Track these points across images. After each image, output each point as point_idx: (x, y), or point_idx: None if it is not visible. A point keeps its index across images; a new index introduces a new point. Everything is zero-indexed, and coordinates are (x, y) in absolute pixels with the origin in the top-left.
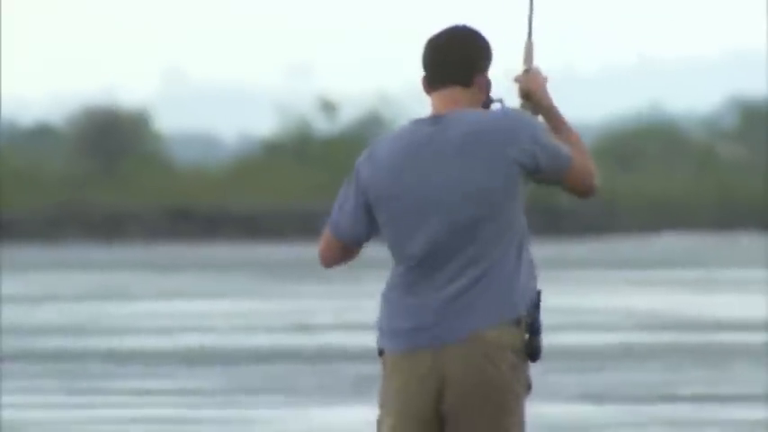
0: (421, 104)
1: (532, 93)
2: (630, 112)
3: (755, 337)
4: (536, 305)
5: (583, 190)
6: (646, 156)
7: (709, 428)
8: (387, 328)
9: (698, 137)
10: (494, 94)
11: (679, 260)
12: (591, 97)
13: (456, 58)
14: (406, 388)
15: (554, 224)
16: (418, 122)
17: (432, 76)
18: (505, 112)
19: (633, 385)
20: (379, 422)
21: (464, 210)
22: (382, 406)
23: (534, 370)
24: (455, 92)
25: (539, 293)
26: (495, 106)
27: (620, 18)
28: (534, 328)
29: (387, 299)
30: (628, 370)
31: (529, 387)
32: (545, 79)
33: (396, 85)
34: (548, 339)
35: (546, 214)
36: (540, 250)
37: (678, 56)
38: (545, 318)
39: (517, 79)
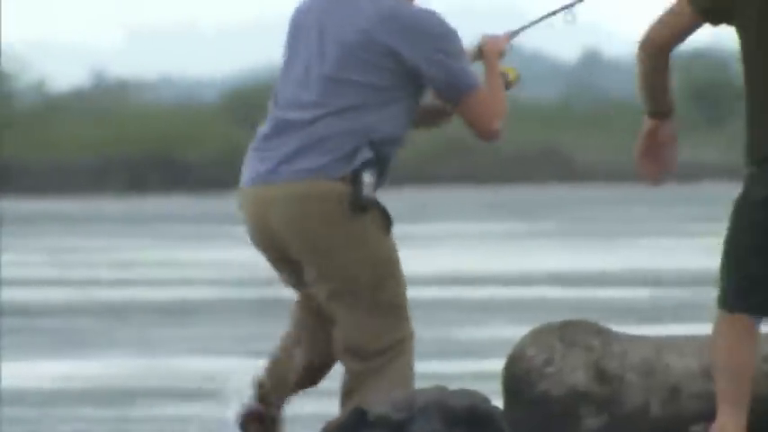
0: None
1: (485, 52)
2: (250, 69)
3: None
4: None
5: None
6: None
7: None
8: None
9: None
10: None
11: None
12: (212, 54)
13: None
14: None
15: (178, 179)
16: None
17: None
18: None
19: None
20: None
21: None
22: None
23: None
24: None
25: None
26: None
27: None
28: None
29: None
30: (219, 324)
31: None
32: (501, 51)
33: None
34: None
35: (165, 169)
36: (159, 205)
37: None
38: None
39: (483, 38)
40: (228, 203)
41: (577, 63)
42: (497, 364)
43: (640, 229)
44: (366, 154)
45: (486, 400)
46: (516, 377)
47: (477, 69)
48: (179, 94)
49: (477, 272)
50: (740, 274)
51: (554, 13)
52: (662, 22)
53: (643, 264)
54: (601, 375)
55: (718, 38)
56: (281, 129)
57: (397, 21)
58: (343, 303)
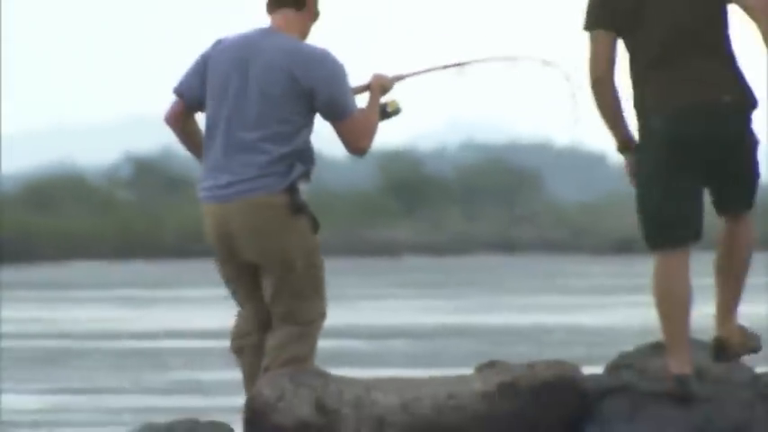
0: None
1: (371, 86)
2: (47, 167)
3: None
4: None
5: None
6: (60, 201)
7: None
8: None
9: (101, 185)
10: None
11: (87, 283)
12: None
13: None
14: None
15: None
16: (258, 31)
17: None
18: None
19: None
20: None
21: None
22: None
23: None
24: (288, 13)
25: None
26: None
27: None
28: None
29: None
30: None
31: None
32: (385, 87)
33: None
34: None
35: None
36: None
37: (87, 119)
38: None
39: (373, 75)
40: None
41: None
42: (242, 401)
43: (355, 294)
44: (299, 169)
45: (230, 429)
46: (255, 411)
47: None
48: None
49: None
50: (659, 216)
51: (446, 67)
52: (594, 57)
53: (355, 320)
54: (322, 409)
55: (414, 140)
56: (230, 153)
57: (300, 53)
58: (285, 283)
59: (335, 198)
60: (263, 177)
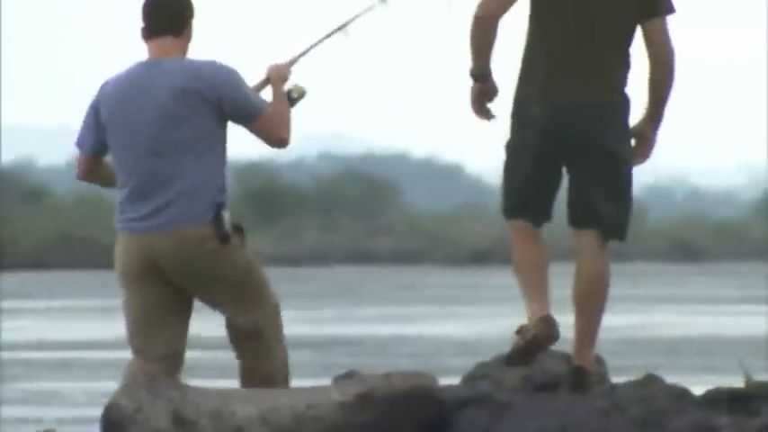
0: None
1: (271, 78)
2: None
3: None
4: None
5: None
6: None
7: None
8: None
9: None
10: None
11: None
12: None
13: (168, 11)
14: None
15: None
16: (141, 63)
17: (148, 26)
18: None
19: None
20: None
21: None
22: None
23: None
24: (167, 40)
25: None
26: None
27: None
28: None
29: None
30: None
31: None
32: (283, 75)
33: None
34: None
35: None
36: None
37: None
38: None
39: (269, 67)
40: None
41: None
42: (98, 412)
43: None
44: (219, 198)
45: None
46: (112, 422)
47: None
48: None
49: (86, 339)
50: (515, 193)
51: (328, 35)
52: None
53: (212, 331)
54: (180, 421)
55: (271, 151)
56: (147, 186)
57: (194, 69)
58: (235, 302)
59: None
60: (188, 206)
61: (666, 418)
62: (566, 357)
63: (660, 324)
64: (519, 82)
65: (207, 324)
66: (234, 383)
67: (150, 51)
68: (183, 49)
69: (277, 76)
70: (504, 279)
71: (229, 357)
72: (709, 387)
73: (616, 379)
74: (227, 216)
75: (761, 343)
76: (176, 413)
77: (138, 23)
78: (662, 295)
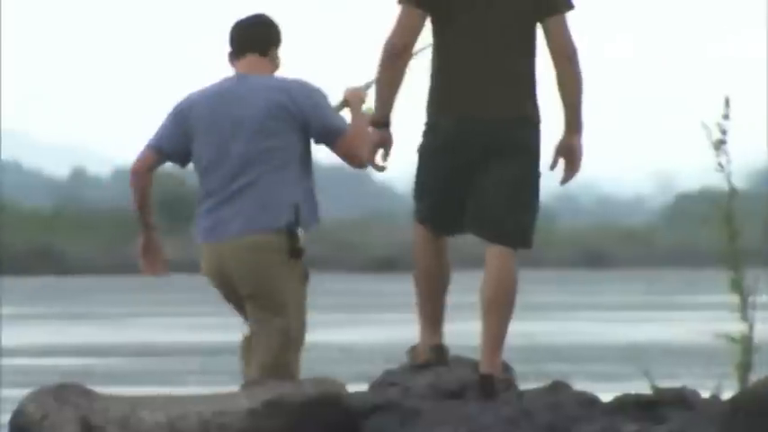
0: None
1: (350, 101)
2: None
3: None
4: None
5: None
6: None
7: None
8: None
9: None
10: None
11: None
12: None
13: (253, 32)
14: None
15: None
16: (230, 78)
17: (235, 48)
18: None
19: None
20: None
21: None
22: None
23: None
24: (253, 58)
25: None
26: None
27: None
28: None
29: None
30: None
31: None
32: (361, 97)
33: None
34: None
35: None
36: None
37: None
38: None
39: (346, 91)
40: None
41: (67, 179)
42: (5, 419)
43: (120, 312)
44: (294, 214)
45: None
46: (20, 429)
47: (346, 115)
48: None
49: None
50: (425, 201)
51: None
52: (400, 27)
53: (121, 338)
54: (87, 428)
55: None
56: (228, 194)
57: (283, 88)
58: (272, 324)
59: (98, 215)
60: (261, 215)
61: (574, 425)
62: (473, 364)
63: (567, 331)
64: (429, 93)
65: (112, 332)
66: (143, 390)
67: (237, 69)
68: (270, 70)
69: (357, 99)
70: (411, 286)
71: (139, 364)
72: (617, 394)
73: (524, 386)
74: (301, 234)
75: (668, 349)
76: (84, 420)
77: (219, 49)
78: (570, 302)
